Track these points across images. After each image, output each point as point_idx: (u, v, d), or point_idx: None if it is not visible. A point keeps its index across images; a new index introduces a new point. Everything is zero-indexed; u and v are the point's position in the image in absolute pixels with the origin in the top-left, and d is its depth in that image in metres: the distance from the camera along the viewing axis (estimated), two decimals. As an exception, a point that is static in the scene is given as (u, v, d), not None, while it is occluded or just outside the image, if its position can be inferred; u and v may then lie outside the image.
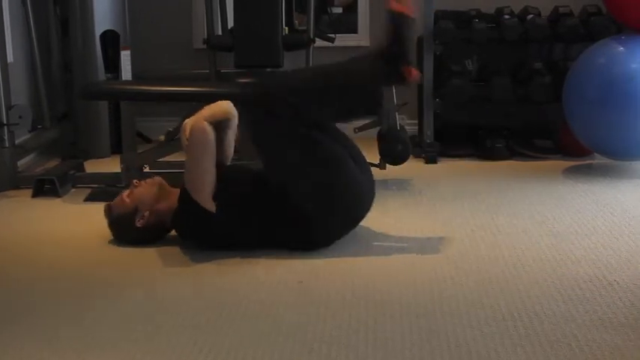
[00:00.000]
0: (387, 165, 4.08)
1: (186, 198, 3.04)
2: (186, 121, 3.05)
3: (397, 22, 3.07)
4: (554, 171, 4.39)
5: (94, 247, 3.24)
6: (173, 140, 4.21)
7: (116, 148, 4.96)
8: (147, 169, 4.20)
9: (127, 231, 3.19)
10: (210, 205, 2.99)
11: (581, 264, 2.89)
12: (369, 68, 3.11)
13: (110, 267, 3.00)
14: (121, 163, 4.09)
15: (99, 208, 3.77)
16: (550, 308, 2.48)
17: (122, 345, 2.29)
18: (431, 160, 4.71)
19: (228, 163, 3.29)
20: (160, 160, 4.21)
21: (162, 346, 2.28)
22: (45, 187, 4.08)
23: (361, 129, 4.24)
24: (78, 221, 3.62)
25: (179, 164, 4.22)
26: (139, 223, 3.15)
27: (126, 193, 3.22)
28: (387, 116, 4.05)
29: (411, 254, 3.03)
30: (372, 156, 4.01)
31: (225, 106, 3.14)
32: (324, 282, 2.77)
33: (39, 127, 4.74)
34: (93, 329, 2.41)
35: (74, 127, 5.04)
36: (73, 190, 4.16)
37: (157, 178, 3.26)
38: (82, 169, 4.45)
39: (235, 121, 3.21)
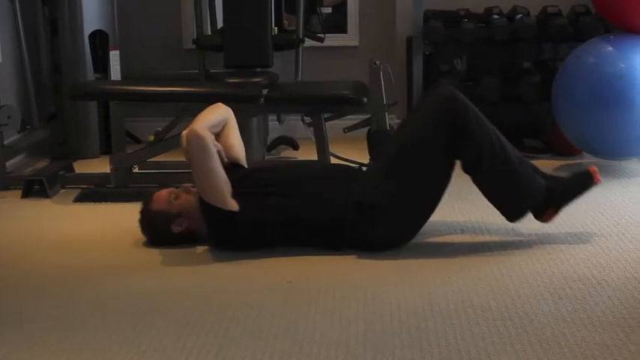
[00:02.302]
0: (377, 165, 4.08)
1: (207, 208, 3.01)
2: (182, 133, 3.03)
3: (587, 184, 3.16)
4: (543, 170, 4.38)
5: (84, 247, 3.23)
6: (162, 140, 4.20)
7: (105, 149, 4.94)
8: (136, 170, 4.20)
9: (157, 228, 3.14)
10: (232, 204, 2.98)
11: (570, 263, 2.89)
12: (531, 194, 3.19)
13: (100, 268, 2.99)
14: (111, 163, 4.08)
15: (88, 208, 3.77)
16: (540, 307, 2.49)
17: (111, 346, 2.28)
18: (421, 159, 4.70)
19: (245, 164, 3.27)
20: (150, 160, 4.20)
21: (151, 346, 2.27)
22: (34, 188, 4.05)
23: (350, 129, 4.24)
24: (67, 222, 3.61)
25: (168, 164, 4.24)
26: (175, 229, 3.10)
27: (176, 192, 3.14)
28: (376, 116, 4.06)
29: (402, 254, 3.03)
30: (361, 156, 4.02)
31: (215, 109, 3.15)
32: (313, 281, 2.76)
33: (28, 127, 4.72)
34: (82, 330, 2.40)
35: (63, 128, 5.01)
36: (63, 190, 4.14)
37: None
38: (71, 169, 4.43)
39: (232, 119, 3.21)
